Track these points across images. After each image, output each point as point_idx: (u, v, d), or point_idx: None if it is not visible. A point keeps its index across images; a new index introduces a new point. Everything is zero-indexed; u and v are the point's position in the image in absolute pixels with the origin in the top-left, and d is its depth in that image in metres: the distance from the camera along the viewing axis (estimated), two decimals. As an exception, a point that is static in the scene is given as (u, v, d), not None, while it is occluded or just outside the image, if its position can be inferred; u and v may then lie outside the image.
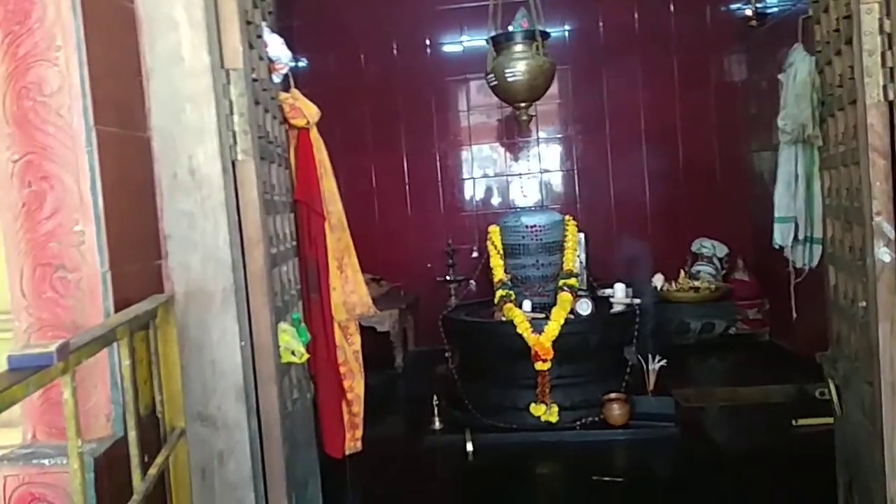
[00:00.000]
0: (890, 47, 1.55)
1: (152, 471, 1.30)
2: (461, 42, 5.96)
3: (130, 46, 1.58)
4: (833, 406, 2.13)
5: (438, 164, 6.05)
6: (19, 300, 1.42)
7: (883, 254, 1.59)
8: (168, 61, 1.58)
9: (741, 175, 5.51)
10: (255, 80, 1.84)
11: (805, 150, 2.35)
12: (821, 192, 2.23)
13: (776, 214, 2.49)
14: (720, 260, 5.41)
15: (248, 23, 1.81)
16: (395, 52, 5.97)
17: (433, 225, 5.99)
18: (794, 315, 2.75)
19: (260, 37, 1.98)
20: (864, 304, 1.73)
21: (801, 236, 2.46)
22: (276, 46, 2.10)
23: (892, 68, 1.55)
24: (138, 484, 1.23)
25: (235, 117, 1.69)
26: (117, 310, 1.40)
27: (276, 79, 2.16)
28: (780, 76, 2.36)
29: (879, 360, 1.64)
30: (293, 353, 1.93)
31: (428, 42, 6.01)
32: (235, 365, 1.62)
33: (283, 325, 1.92)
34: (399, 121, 5.97)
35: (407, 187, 6.04)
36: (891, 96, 1.57)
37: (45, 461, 1.34)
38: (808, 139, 2.19)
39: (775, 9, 4.80)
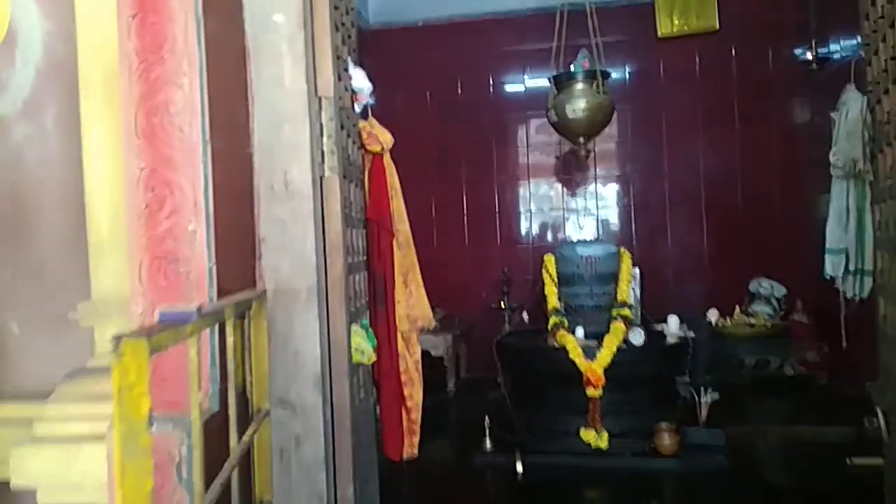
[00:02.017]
0: (931, 85, 1.66)
1: (245, 437, 1.48)
2: (523, 82, 6.19)
3: (240, 74, 1.82)
4: (882, 434, 2.17)
5: (497, 197, 6.25)
6: (137, 287, 1.64)
7: (924, 279, 1.67)
8: (271, 87, 1.82)
9: (802, 216, 5.49)
10: (341, 107, 2.06)
11: (856, 185, 2.44)
12: (871, 224, 2.30)
13: (828, 246, 2.56)
14: (778, 300, 5.38)
15: (338, 57, 2.04)
16: (459, 90, 6.24)
17: (489, 256, 6.16)
18: (845, 343, 2.78)
19: (346, 70, 2.21)
20: (908, 329, 1.80)
21: (851, 268, 2.52)
22: (359, 79, 2.33)
23: (933, 105, 1.65)
24: (234, 446, 1.42)
25: (325, 138, 1.91)
26: (219, 299, 1.61)
27: (357, 108, 2.39)
28: (832, 114, 2.46)
29: (922, 383, 1.71)
30: (363, 353, 2.11)
31: (491, 81, 6.27)
32: (315, 357, 1.80)
33: (355, 328, 2.10)
34: (461, 155, 6.21)
35: (465, 218, 6.25)
36: (932, 131, 1.67)
37: (152, 427, 1.53)
38: (860, 174, 2.28)
39: (836, 54, 4.86)
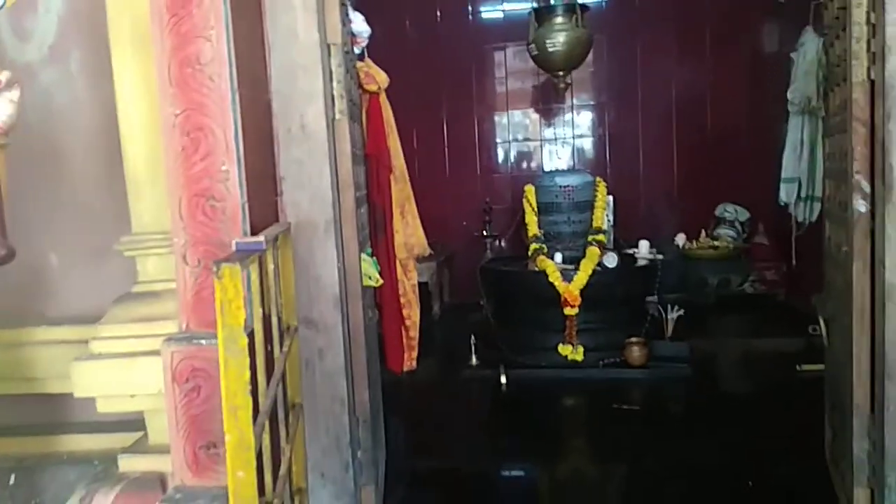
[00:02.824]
0: (874, 36, 1.88)
1: (284, 350, 1.73)
2: (502, 10, 6.25)
3: (257, 25, 1.98)
4: (822, 340, 2.51)
5: (476, 127, 6.41)
6: (177, 222, 1.85)
7: (860, 205, 1.96)
8: (286, 37, 1.98)
9: (766, 144, 5.73)
10: (346, 52, 2.23)
11: (810, 120, 2.69)
12: (822, 156, 2.57)
13: (783, 175, 2.84)
14: (742, 224, 5.71)
15: (343, 4, 2.19)
16: (438, 18, 6.28)
17: (469, 185, 6.37)
18: (794, 262, 3.10)
19: (347, 14, 2.36)
20: (846, 248, 2.10)
21: (803, 195, 2.81)
22: (359, 23, 2.49)
23: (874, 53, 1.89)
24: (278, 355, 1.67)
25: (334, 83, 2.09)
26: (253, 232, 1.83)
27: (357, 50, 2.55)
28: (792, 54, 2.69)
29: (853, 293, 2.01)
30: (370, 278, 2.36)
31: (470, 9, 6.32)
32: (334, 281, 2.04)
33: (363, 255, 2.34)
34: (440, 85, 6.31)
35: (446, 149, 6.41)
36: (873, 76, 1.91)
37: (203, 341, 1.78)
38: (814, 110, 2.53)
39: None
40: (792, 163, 2.77)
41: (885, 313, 1.85)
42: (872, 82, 1.92)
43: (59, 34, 2.16)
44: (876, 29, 1.88)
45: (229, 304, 1.07)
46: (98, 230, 2.12)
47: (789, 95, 2.58)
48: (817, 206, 2.73)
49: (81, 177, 2.17)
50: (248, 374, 1.10)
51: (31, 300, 2.18)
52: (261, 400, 1.36)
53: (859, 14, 1.92)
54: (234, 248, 1.29)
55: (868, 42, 1.91)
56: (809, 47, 2.59)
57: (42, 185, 2.16)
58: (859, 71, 1.93)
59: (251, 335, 1.39)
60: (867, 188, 1.94)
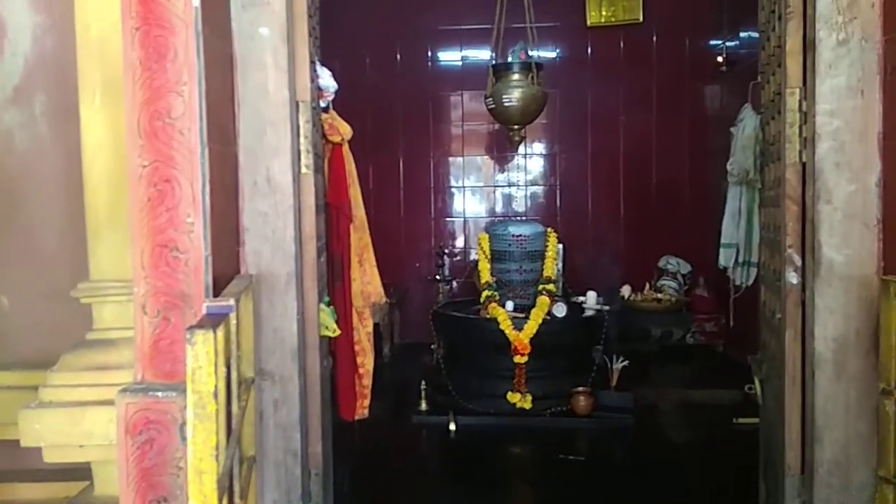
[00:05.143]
0: (805, 122, 2.05)
1: (242, 402, 1.74)
2: (460, 57, 6.43)
3: (228, 81, 2.02)
4: (757, 399, 2.64)
5: (431, 170, 6.53)
6: (139, 271, 1.85)
7: (792, 277, 2.10)
8: (256, 94, 2.04)
9: (707, 201, 6.00)
10: (314, 107, 2.29)
11: (748, 190, 2.87)
12: (758, 224, 2.74)
13: (722, 241, 3.02)
14: (684, 276, 5.95)
15: (312, 62, 2.26)
16: (397, 60, 6.42)
17: (423, 227, 6.47)
18: (731, 323, 3.27)
19: (315, 71, 2.43)
20: (779, 315, 2.24)
21: (741, 260, 2.99)
22: (326, 78, 2.56)
23: (805, 138, 2.05)
24: (236, 411, 1.68)
25: (301, 139, 2.14)
26: (215, 284, 1.85)
27: (323, 104, 2.61)
28: (732, 129, 2.88)
29: (785, 359, 2.15)
30: (327, 328, 2.39)
31: (429, 54, 6.48)
32: (292, 333, 2.07)
33: (321, 305, 2.37)
34: (398, 128, 6.43)
35: (402, 191, 6.50)
36: (804, 159, 2.07)
37: (159, 393, 1.77)
38: (751, 182, 2.70)
39: (744, 52, 5.37)
40: (730, 229, 2.95)
41: (815, 381, 1.98)
42: (804, 164, 2.08)
43: (25, 76, 2.16)
44: (807, 116, 2.05)
45: (200, 370, 1.10)
46: (54, 275, 2.10)
47: (729, 167, 2.78)
48: (753, 271, 2.91)
49: (40, 220, 2.15)
50: (215, 439, 1.12)
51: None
52: (220, 459, 1.37)
53: (792, 101, 2.09)
54: (204, 311, 1.32)
55: (800, 127, 2.08)
56: (748, 123, 2.79)
57: (-3, 226, 2.13)
58: (792, 153, 2.09)
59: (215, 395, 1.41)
60: (798, 262, 2.09)
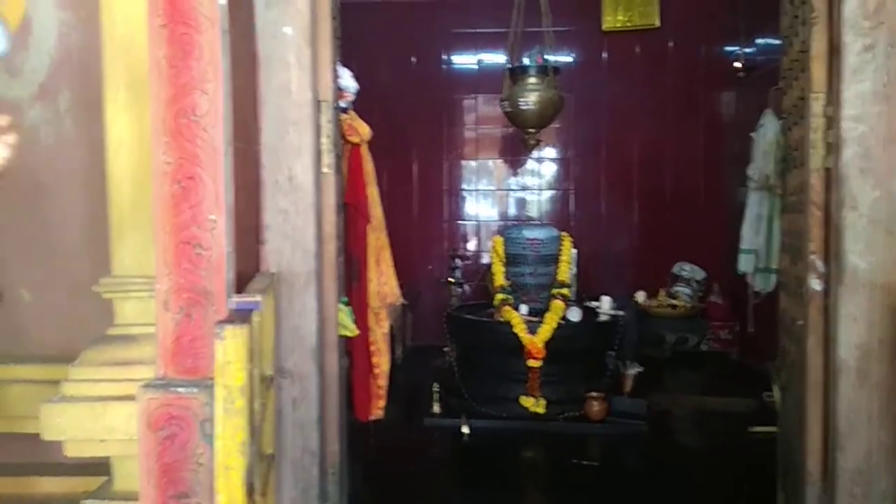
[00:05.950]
0: (829, 128, 2.04)
1: (264, 400, 1.75)
2: (476, 60, 6.43)
3: (251, 79, 2.03)
4: (776, 406, 2.62)
5: (445, 174, 6.54)
6: (162, 268, 1.85)
7: (815, 283, 2.08)
8: (279, 93, 2.04)
9: (722, 207, 5.99)
10: (335, 108, 2.30)
11: (769, 196, 2.85)
12: (779, 231, 2.72)
13: (741, 246, 3.00)
14: (698, 283, 5.91)
15: (334, 63, 2.27)
16: (413, 63, 6.43)
17: (436, 230, 6.47)
18: (752, 329, 3.25)
19: (336, 71, 2.43)
20: (801, 322, 2.22)
21: (761, 266, 2.97)
22: (346, 79, 2.57)
23: (829, 143, 2.03)
24: (257, 409, 1.68)
25: (323, 139, 2.15)
26: (237, 281, 1.85)
27: (343, 104, 2.62)
28: (752, 134, 2.87)
29: (807, 366, 2.13)
30: (345, 328, 2.39)
31: (444, 57, 6.49)
32: (312, 332, 2.07)
33: (339, 305, 2.37)
34: (412, 130, 6.43)
35: (415, 194, 6.51)
36: (829, 164, 2.05)
37: (181, 389, 1.78)
38: (771, 188, 2.69)
39: (762, 59, 5.35)
40: (750, 235, 2.93)
41: (837, 389, 1.96)
42: (828, 170, 2.06)
43: (51, 73, 2.17)
44: (832, 121, 2.04)
45: (229, 365, 1.10)
46: (76, 270, 2.11)
47: (749, 172, 2.76)
48: (773, 278, 2.88)
49: (63, 216, 2.16)
50: (242, 435, 1.12)
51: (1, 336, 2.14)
52: (247, 455, 1.38)
53: (817, 106, 2.07)
54: (233, 306, 1.32)
55: (825, 133, 2.06)
56: (769, 129, 2.77)
57: (21, 222, 2.15)
58: (816, 159, 2.07)
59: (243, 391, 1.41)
60: (822, 268, 2.07)
